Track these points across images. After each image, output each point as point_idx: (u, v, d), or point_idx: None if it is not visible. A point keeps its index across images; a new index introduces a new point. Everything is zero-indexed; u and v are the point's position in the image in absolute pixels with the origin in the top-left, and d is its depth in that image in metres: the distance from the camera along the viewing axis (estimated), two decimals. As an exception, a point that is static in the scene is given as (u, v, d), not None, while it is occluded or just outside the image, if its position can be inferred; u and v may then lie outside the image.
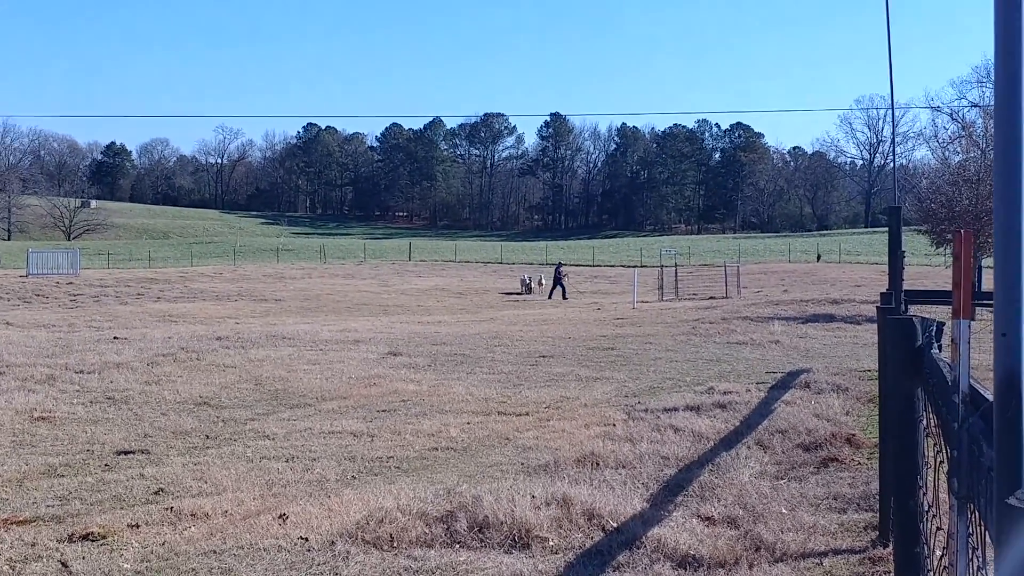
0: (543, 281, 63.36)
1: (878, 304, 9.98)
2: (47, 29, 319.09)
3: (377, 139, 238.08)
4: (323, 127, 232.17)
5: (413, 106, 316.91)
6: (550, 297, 55.49)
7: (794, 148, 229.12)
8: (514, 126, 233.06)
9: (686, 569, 7.22)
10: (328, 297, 54.58)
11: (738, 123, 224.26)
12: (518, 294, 60.18)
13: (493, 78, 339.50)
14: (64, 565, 7.46)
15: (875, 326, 14.05)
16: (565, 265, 64.88)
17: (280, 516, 8.58)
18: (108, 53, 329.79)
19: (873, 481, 9.25)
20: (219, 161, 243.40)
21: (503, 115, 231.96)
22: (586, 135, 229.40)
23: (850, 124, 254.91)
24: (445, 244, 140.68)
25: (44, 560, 7.60)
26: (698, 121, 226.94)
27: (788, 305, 36.85)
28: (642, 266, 78.17)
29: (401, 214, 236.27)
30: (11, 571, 7.34)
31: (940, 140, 64.46)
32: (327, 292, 58.44)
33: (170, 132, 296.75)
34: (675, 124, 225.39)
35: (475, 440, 12.38)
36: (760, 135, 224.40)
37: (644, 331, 28.20)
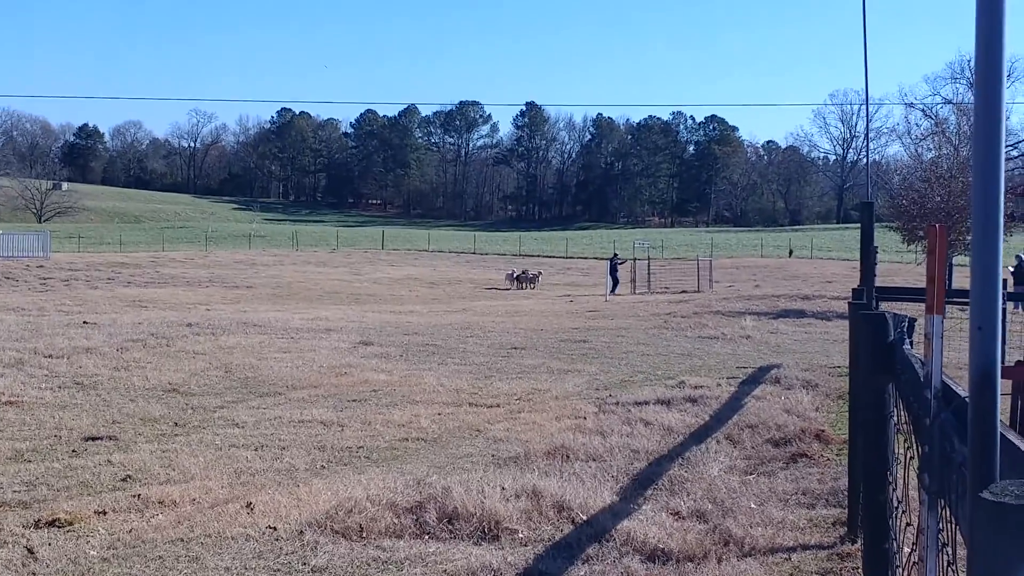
0: (540, 273, 60.27)
1: (850, 300, 10.01)
2: (22, 9, 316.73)
3: (351, 125, 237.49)
4: (297, 112, 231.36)
5: (388, 93, 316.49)
6: (613, 292, 50.29)
7: (768, 142, 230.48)
8: (489, 115, 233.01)
9: (655, 562, 7.23)
10: (300, 285, 54.42)
11: (712, 116, 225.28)
12: (504, 289, 56.64)
13: (469, 66, 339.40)
14: (30, 551, 7.40)
15: (845, 322, 14.10)
16: (623, 260, 57.32)
17: (248, 505, 8.54)
18: (82, 34, 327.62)
19: (842, 477, 9.28)
20: (192, 145, 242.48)
21: (478, 103, 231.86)
22: (561, 125, 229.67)
23: (824, 119, 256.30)
24: (418, 233, 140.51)
25: (10, 546, 7.54)
26: (673, 113, 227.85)
27: (759, 300, 36.98)
28: (611, 260, 78.06)
29: (374, 202, 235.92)
30: (-25, 557, 7.28)
31: (913, 136, 64.77)
32: (299, 280, 58.29)
33: (143, 115, 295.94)
34: (650, 116, 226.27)
35: (446, 431, 12.36)
36: (734, 128, 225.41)
37: (616, 324, 28.23)
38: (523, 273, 59.44)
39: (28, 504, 8.70)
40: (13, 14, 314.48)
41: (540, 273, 61.02)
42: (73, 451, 10.96)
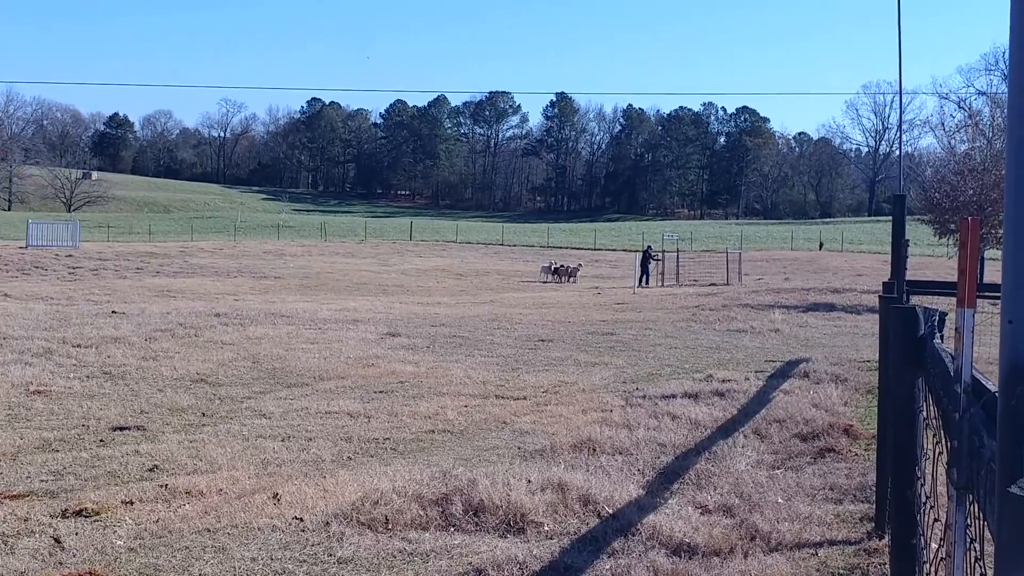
0: (580, 266, 58.45)
1: (880, 293, 9.94)
2: None
3: (381, 116, 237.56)
4: (327, 102, 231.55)
5: (417, 82, 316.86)
6: (642, 285, 49.63)
7: (799, 134, 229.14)
8: (519, 105, 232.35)
9: (681, 557, 7.19)
10: (328, 275, 54.55)
11: (744, 107, 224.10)
12: (542, 282, 54.70)
13: (499, 56, 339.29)
14: (57, 541, 7.44)
15: (876, 316, 14.01)
16: (656, 254, 55.83)
17: (275, 496, 8.56)
18: (112, 22, 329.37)
19: (870, 472, 9.22)
20: (222, 135, 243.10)
21: (508, 93, 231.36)
22: (591, 116, 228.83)
23: (856, 110, 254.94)
24: (447, 224, 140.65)
25: (37, 535, 7.57)
26: (704, 104, 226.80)
27: (789, 293, 36.85)
28: (644, 251, 78.10)
29: (403, 192, 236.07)
30: (3, 546, 7.31)
31: (946, 128, 64.17)
32: (327, 270, 58.43)
33: (173, 104, 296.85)
34: (681, 107, 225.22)
35: (472, 423, 12.35)
36: (766, 120, 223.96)
37: (644, 317, 28.18)
38: (562, 266, 57.22)
39: (55, 494, 8.75)
40: (44, 3, 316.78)
41: (580, 265, 59.33)
42: (101, 441, 11.01)
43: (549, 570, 6.99)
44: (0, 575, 6.74)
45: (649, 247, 58.05)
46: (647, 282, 51.26)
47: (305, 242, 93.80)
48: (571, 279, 55.43)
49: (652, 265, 53.55)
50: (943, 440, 3.47)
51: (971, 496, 2.63)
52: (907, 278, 9.54)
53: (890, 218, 9.73)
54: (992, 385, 2.54)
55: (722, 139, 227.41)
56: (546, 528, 7.94)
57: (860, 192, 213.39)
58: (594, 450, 10.58)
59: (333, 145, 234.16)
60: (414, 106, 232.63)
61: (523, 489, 8.58)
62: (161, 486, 8.88)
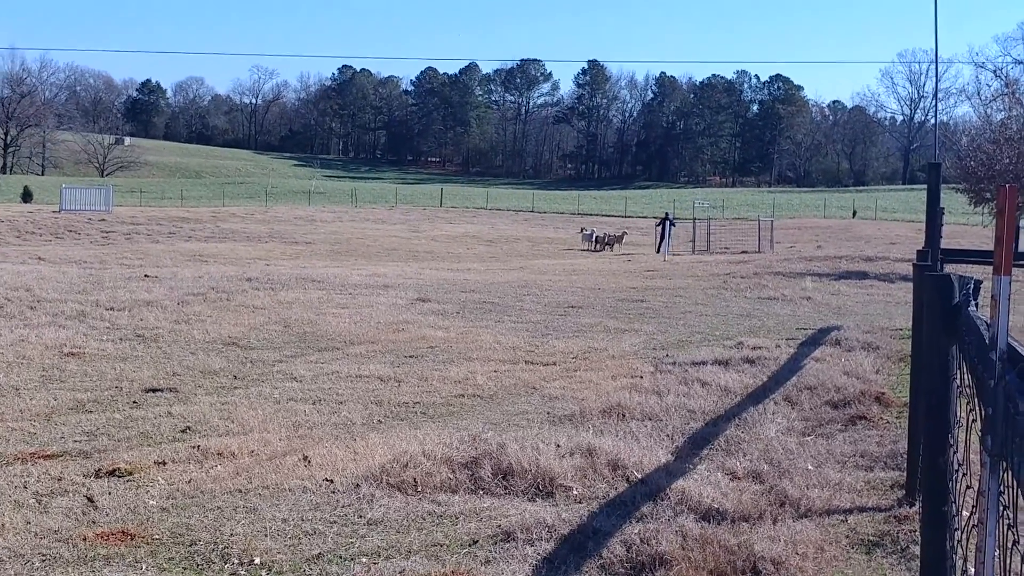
0: (625, 233, 58.02)
1: (914, 261, 9.86)
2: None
3: (412, 83, 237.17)
4: (358, 69, 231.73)
5: (449, 49, 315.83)
6: (661, 251, 50.01)
7: (833, 102, 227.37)
8: (550, 72, 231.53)
9: (709, 522, 7.18)
10: (358, 241, 54.60)
11: (777, 75, 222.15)
12: (582, 250, 54.53)
13: (530, 23, 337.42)
14: (90, 500, 7.50)
15: (909, 284, 13.93)
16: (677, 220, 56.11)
17: (306, 458, 8.60)
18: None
19: (901, 440, 9.18)
20: (253, 101, 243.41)
21: (539, 61, 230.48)
22: (623, 84, 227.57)
23: (891, 78, 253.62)
24: (477, 191, 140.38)
25: (70, 495, 7.64)
26: (737, 72, 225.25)
27: (821, 261, 36.67)
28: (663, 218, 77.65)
29: (434, 159, 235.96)
30: (38, 505, 7.38)
31: (982, 97, 63.41)
32: (357, 236, 58.49)
33: (205, 71, 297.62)
34: (713, 74, 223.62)
35: (501, 388, 12.36)
36: (799, 88, 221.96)
37: (674, 284, 28.11)
38: (604, 235, 56.37)
39: (89, 454, 8.81)
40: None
41: (625, 232, 58.58)
42: (134, 402, 11.08)
43: (577, 533, 6.99)
44: (35, 533, 6.80)
45: (667, 214, 57.51)
46: (667, 248, 50.57)
47: (336, 208, 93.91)
48: (611, 247, 55.03)
49: (672, 230, 53.05)
50: (977, 408, 3.45)
51: (1005, 463, 2.61)
52: (942, 246, 9.47)
53: (924, 187, 9.62)
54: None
55: (755, 107, 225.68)
56: (575, 492, 7.94)
57: (894, 160, 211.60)
58: (623, 416, 10.57)
59: (364, 112, 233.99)
60: (444, 73, 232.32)
61: (552, 454, 8.59)
62: (193, 447, 8.93)
